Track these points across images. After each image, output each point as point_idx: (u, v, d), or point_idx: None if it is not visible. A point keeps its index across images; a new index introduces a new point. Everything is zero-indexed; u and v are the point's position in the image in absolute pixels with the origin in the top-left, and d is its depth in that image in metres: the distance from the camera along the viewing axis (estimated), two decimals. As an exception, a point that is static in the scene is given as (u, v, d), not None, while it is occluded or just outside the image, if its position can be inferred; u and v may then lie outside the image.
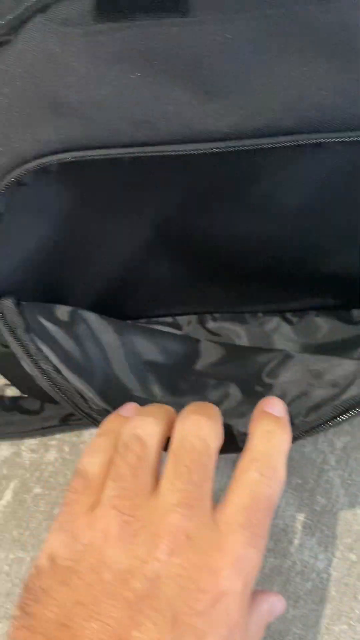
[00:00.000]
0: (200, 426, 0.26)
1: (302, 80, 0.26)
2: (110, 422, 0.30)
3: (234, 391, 0.34)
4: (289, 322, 0.39)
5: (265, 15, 0.25)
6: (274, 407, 0.29)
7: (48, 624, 0.23)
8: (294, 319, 0.39)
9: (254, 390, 0.34)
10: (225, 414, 0.30)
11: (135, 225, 0.32)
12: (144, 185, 0.27)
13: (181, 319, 0.39)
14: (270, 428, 0.28)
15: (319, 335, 0.39)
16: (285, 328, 0.39)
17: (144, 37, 0.24)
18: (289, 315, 0.40)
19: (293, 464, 0.42)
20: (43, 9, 0.23)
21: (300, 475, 0.41)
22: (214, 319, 0.39)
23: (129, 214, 0.30)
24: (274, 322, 0.39)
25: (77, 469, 0.27)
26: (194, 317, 0.39)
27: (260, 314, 0.40)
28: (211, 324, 0.39)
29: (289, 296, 0.39)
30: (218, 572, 0.23)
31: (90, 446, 0.28)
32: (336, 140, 0.27)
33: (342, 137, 0.27)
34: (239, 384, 0.34)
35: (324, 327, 0.39)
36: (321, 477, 0.41)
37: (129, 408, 0.31)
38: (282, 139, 0.27)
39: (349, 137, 0.27)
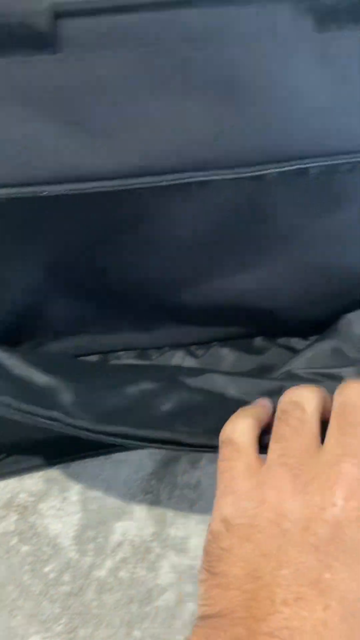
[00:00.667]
0: None
1: (180, 118, 0.26)
2: (246, 408, 0.30)
3: None
4: (194, 355, 0.39)
5: (138, 52, 0.25)
6: None
7: (239, 579, 0.23)
8: (199, 352, 0.39)
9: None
10: None
11: (24, 265, 0.31)
12: (24, 226, 0.27)
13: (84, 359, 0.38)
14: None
15: (224, 367, 0.38)
16: (190, 361, 0.38)
17: (13, 75, 0.23)
18: (193, 348, 0.39)
19: (208, 501, 0.41)
20: None
21: (216, 512, 0.41)
22: (118, 357, 0.38)
23: (14, 254, 0.29)
24: (179, 356, 0.39)
25: (221, 439, 0.28)
26: (95, 357, 0.38)
27: (166, 348, 0.39)
28: (115, 363, 0.38)
29: (192, 329, 0.39)
30: None
31: (231, 418, 0.29)
32: (220, 178, 0.27)
33: (226, 175, 0.27)
34: None
35: (229, 358, 0.39)
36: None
37: (261, 400, 0.31)
38: (164, 177, 0.27)
39: (233, 175, 0.27)
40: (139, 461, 0.43)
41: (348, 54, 0.27)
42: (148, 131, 0.26)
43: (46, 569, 0.37)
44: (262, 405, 0.30)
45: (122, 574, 0.38)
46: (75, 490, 0.41)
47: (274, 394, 0.29)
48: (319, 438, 0.26)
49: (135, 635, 0.36)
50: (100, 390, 0.32)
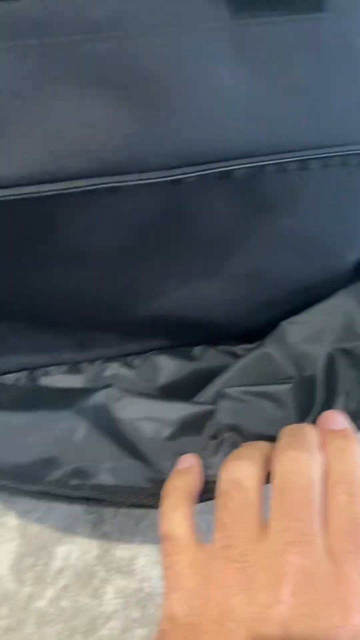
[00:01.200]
0: (300, 462, 0.25)
1: (86, 117, 0.24)
2: (173, 479, 0.29)
3: None
4: (130, 365, 0.36)
5: (35, 44, 0.22)
6: (336, 422, 0.27)
7: None
8: (136, 362, 0.37)
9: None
10: None
11: None
12: None
13: (8, 378, 0.35)
14: (340, 445, 0.26)
15: (162, 376, 0.36)
16: (125, 372, 0.36)
17: None
18: (130, 358, 0.37)
19: (155, 516, 0.39)
20: None
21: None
22: (47, 374, 0.36)
23: None
24: (113, 367, 0.36)
25: (162, 535, 0.27)
26: (23, 374, 0.35)
27: (99, 361, 0.36)
28: (44, 380, 0.36)
29: (127, 341, 0.36)
30: (347, 605, 0.22)
31: (164, 508, 0.28)
32: (132, 183, 0.25)
33: (139, 180, 0.25)
34: None
35: (167, 366, 0.36)
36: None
37: (187, 460, 0.29)
38: (71, 184, 0.24)
39: (148, 180, 0.25)
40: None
41: (265, 44, 0.24)
42: (51, 132, 0.23)
43: (-17, 604, 0.35)
44: (189, 472, 0.29)
45: (64, 603, 0.35)
46: (13, 515, 0.38)
47: (205, 419, 0.27)
48: (261, 517, 0.25)
49: (79, 669, 0.34)
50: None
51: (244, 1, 0.24)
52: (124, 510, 0.39)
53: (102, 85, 0.24)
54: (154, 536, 0.38)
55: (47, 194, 0.24)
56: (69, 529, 0.38)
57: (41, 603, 0.35)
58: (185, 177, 0.25)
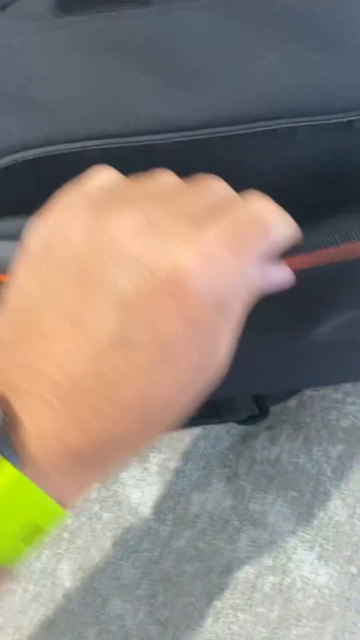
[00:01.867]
0: None
1: (270, 65, 0.26)
2: None
3: None
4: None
5: (225, 2, 0.25)
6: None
7: (13, 304, 0.21)
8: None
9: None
10: None
11: None
12: None
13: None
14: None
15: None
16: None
17: (105, 29, 0.24)
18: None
19: (288, 477, 0.40)
20: (2, 8, 0.23)
21: (296, 488, 0.40)
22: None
23: None
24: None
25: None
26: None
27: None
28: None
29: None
30: (178, 255, 0.20)
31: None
32: (310, 124, 0.26)
33: (315, 121, 0.26)
34: None
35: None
36: (317, 489, 0.40)
37: None
38: (256, 125, 0.26)
39: (323, 121, 0.26)
40: (216, 436, 0.43)
41: None
42: (240, 80, 0.25)
43: (127, 536, 0.38)
44: None
45: (201, 544, 0.38)
46: (154, 462, 0.41)
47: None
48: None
49: (216, 605, 0.36)
50: None
51: None
52: (256, 468, 0.41)
53: (282, 35, 0.25)
54: (285, 495, 0.40)
55: (230, 134, 0.25)
56: (204, 480, 0.40)
57: (180, 542, 0.38)
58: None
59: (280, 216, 0.22)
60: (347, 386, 0.45)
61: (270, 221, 0.21)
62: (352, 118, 0.26)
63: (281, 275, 0.24)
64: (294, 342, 0.39)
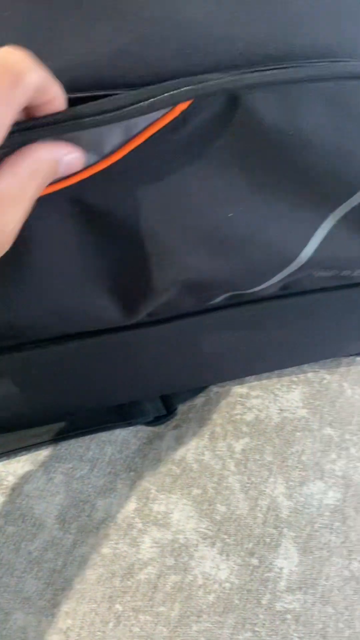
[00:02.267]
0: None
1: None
2: None
3: None
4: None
5: None
6: None
7: None
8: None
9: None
10: None
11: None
12: None
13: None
14: None
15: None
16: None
17: None
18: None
19: (192, 475, 0.41)
20: None
21: (199, 486, 0.40)
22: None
23: None
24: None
25: None
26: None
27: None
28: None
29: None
30: None
31: None
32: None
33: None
34: None
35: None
36: (221, 484, 0.41)
37: None
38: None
39: None
40: (124, 440, 0.43)
41: None
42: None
43: (31, 548, 0.38)
44: None
45: (105, 550, 0.38)
46: (60, 471, 0.41)
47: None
48: None
49: (117, 609, 0.36)
50: None
51: None
52: (161, 469, 0.41)
53: None
54: (189, 494, 0.40)
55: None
56: (110, 486, 0.41)
57: (84, 549, 0.38)
58: None
59: (31, 65, 0.20)
60: (252, 379, 0.46)
61: (20, 69, 0.20)
62: None
63: (64, 151, 0.23)
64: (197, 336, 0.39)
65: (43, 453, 0.42)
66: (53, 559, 0.38)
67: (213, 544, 0.38)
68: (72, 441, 0.43)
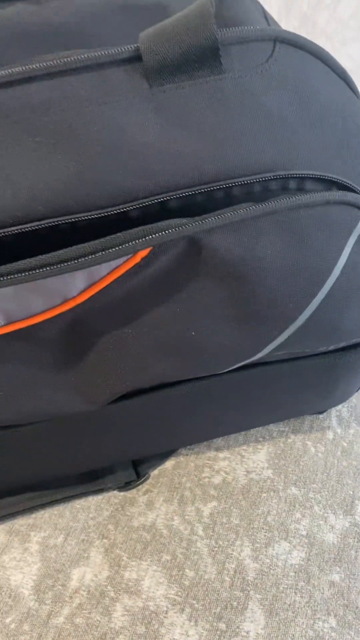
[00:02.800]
0: None
1: (35, 171, 0.28)
2: None
3: None
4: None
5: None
6: None
7: None
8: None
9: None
10: None
11: None
12: None
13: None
14: None
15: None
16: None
17: None
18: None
19: (162, 541, 0.43)
20: None
21: (169, 551, 0.42)
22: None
23: None
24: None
25: None
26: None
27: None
28: None
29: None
30: None
31: None
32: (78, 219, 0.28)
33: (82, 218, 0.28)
34: None
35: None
36: (189, 549, 0.42)
37: None
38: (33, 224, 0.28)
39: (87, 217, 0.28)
40: (97, 507, 0.45)
41: (177, 102, 0.29)
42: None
43: (7, 620, 0.40)
44: None
45: (79, 620, 0.40)
46: (35, 540, 0.43)
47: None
48: None
49: None
50: None
51: (156, 75, 0.29)
52: (133, 535, 0.43)
53: (41, 146, 0.28)
54: (159, 560, 0.42)
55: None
56: (84, 554, 0.42)
57: (59, 620, 0.40)
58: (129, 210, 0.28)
59: None
60: (219, 441, 0.48)
61: None
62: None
63: None
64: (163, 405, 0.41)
65: (18, 522, 0.44)
66: (29, 631, 0.39)
67: (182, 610, 0.40)
68: (48, 509, 0.44)
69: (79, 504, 0.45)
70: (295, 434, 0.49)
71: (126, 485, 0.46)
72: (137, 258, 0.27)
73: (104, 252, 0.26)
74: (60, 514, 0.44)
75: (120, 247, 0.26)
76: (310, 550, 0.43)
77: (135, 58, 0.29)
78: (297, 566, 0.42)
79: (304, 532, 0.43)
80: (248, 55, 0.30)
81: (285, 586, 0.41)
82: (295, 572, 0.42)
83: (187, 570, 0.41)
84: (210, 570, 0.41)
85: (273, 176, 0.29)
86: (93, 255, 0.26)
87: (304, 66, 0.31)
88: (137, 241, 0.26)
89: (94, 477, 0.46)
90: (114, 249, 0.26)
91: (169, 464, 0.47)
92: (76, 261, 0.26)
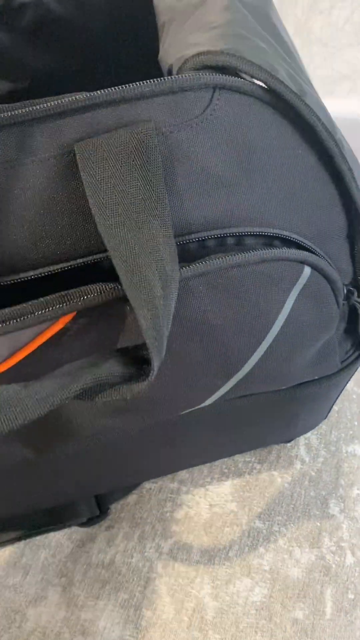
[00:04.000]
0: None
1: None
2: None
3: None
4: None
5: None
6: None
7: None
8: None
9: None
10: None
11: None
12: None
13: None
14: None
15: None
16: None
17: None
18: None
19: (120, 579, 0.42)
20: None
21: (127, 590, 0.41)
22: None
23: None
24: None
25: None
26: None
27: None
28: None
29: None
30: None
31: None
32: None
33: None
34: None
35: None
36: (147, 587, 0.41)
37: None
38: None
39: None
40: (57, 544, 0.44)
41: None
42: None
43: None
44: None
45: (32, 663, 0.39)
46: (-8, 580, 0.42)
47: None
48: None
49: None
50: None
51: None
52: (91, 573, 0.42)
53: None
54: (116, 599, 0.41)
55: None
56: (41, 593, 0.42)
57: (12, 663, 0.39)
58: None
59: None
60: (183, 474, 0.47)
61: None
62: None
63: None
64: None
65: (-22, 561, 0.44)
66: (-18, 675, 0.39)
67: (137, 652, 0.39)
68: (8, 547, 0.44)
69: (39, 540, 0.44)
70: (261, 464, 0.48)
71: (88, 522, 0.45)
72: (60, 324, 0.27)
73: (23, 318, 0.26)
74: (20, 552, 0.44)
75: (40, 312, 0.26)
76: (273, 586, 0.42)
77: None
78: (258, 603, 0.41)
79: (267, 567, 0.42)
80: (183, 107, 0.27)
81: (246, 625, 0.40)
82: (257, 610, 0.41)
83: (144, 610, 0.40)
84: (168, 610, 0.40)
85: (208, 236, 0.29)
86: (13, 321, 0.25)
87: (246, 114, 0.29)
88: (58, 306, 0.26)
89: (56, 513, 0.45)
90: (34, 314, 0.26)
91: (132, 498, 0.46)
92: None
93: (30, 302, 0.26)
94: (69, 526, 0.45)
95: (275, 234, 0.30)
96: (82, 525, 0.45)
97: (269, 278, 0.30)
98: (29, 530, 0.44)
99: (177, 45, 0.32)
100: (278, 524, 0.44)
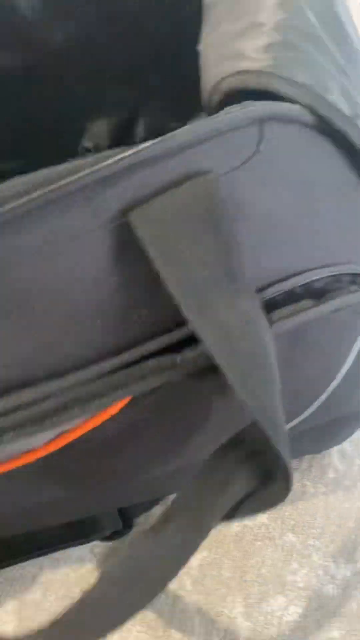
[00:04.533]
0: None
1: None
2: None
3: None
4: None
5: None
6: None
7: None
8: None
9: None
10: None
11: None
12: None
13: None
14: None
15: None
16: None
17: None
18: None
19: (147, 596, 0.40)
20: None
21: (154, 609, 0.39)
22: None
23: None
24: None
25: None
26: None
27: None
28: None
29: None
30: None
31: None
32: None
33: None
34: None
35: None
36: (176, 606, 0.39)
37: None
38: None
39: None
40: (78, 558, 0.42)
41: None
42: None
43: None
44: None
45: None
46: (11, 597, 0.40)
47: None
48: None
49: None
50: None
51: None
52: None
53: None
54: (143, 619, 0.39)
55: None
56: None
57: None
58: None
59: None
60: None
61: None
62: None
63: None
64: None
65: (-5, 576, 0.41)
66: None
67: None
68: (26, 563, 0.42)
69: (59, 554, 0.42)
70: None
71: (111, 536, 0.43)
72: (115, 409, 0.24)
73: (75, 409, 0.23)
74: (39, 566, 0.41)
75: (95, 401, 0.23)
76: (308, 605, 0.39)
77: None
78: (293, 623, 0.39)
79: (302, 584, 0.40)
80: (233, 149, 0.23)
81: (281, 647, 0.38)
82: (292, 630, 0.38)
83: (172, 631, 0.38)
84: (198, 631, 0.38)
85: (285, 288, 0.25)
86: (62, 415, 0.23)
87: (296, 146, 0.25)
88: (114, 392, 0.23)
89: (78, 528, 0.43)
90: (88, 404, 0.23)
91: (156, 510, 0.44)
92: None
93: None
94: (92, 540, 0.42)
95: (341, 272, 0.27)
96: (105, 539, 0.43)
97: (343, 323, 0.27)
98: (50, 546, 0.42)
99: (218, 47, 0.29)
100: (313, 538, 0.42)
